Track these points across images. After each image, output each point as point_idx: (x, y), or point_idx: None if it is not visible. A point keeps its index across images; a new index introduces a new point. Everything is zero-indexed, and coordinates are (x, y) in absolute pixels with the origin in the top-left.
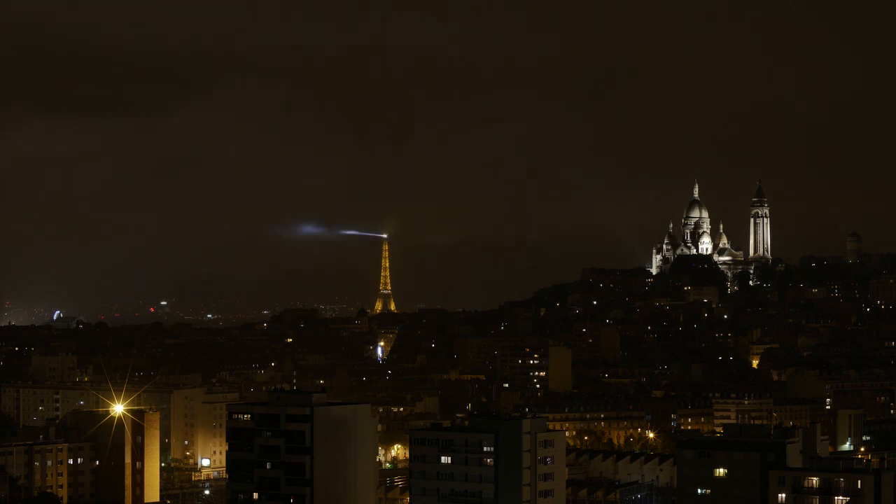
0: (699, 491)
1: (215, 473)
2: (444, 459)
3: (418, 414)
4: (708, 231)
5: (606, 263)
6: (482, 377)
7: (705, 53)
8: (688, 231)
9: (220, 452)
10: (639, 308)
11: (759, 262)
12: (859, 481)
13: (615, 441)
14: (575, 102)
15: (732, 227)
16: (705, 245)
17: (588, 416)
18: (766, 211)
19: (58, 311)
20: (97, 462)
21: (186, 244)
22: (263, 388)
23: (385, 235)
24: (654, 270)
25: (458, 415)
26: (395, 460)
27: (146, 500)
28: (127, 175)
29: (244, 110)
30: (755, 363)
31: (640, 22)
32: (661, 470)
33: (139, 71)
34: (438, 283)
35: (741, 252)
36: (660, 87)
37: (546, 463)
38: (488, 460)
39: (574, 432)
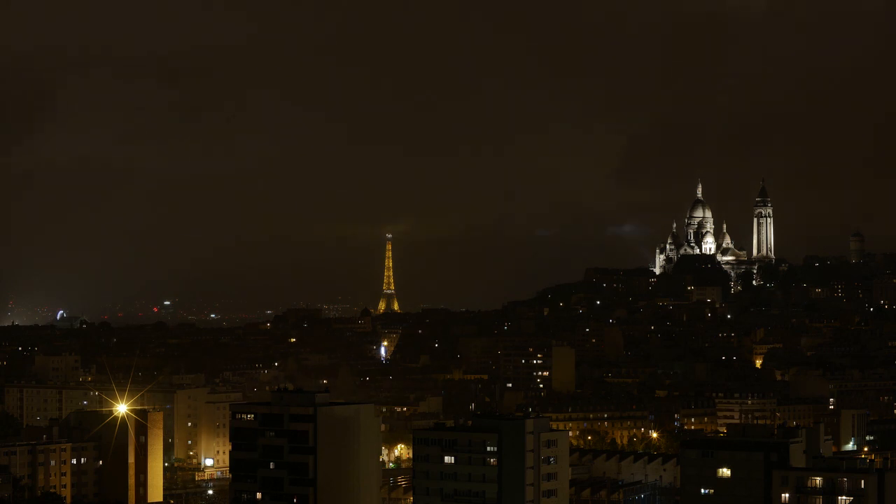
0: (703, 491)
1: (219, 473)
2: (447, 459)
3: (421, 414)
4: (711, 231)
5: (609, 263)
6: (485, 377)
7: (710, 52)
8: (691, 231)
9: (224, 452)
10: (642, 308)
11: (763, 261)
12: (863, 481)
13: (618, 441)
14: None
15: (736, 226)
16: (709, 245)
17: (591, 415)
18: (770, 211)
19: (61, 311)
20: (100, 462)
21: (189, 244)
22: (267, 387)
23: (389, 235)
24: (657, 270)
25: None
26: (398, 460)
27: (149, 500)
28: (129, 174)
29: (249, 112)
30: (758, 363)
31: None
32: (664, 470)
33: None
34: (442, 282)
35: (744, 252)
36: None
37: (549, 463)
38: (491, 460)
39: (577, 432)
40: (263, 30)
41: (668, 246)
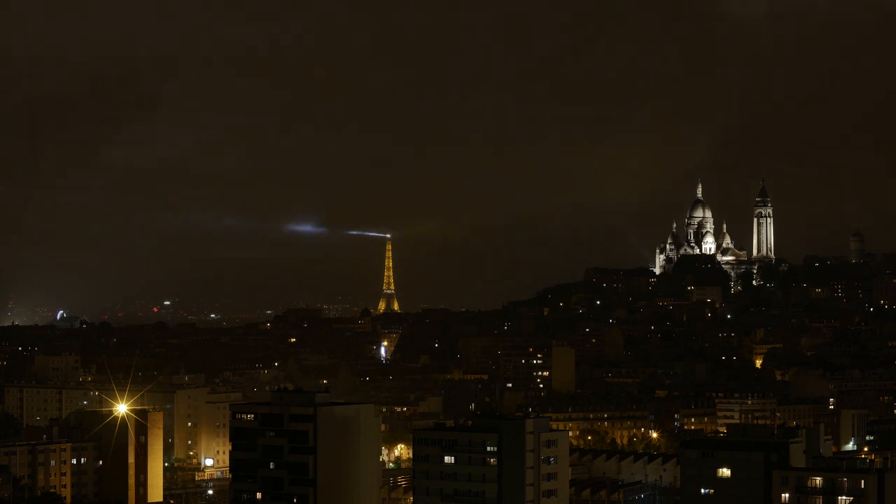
0: (702, 491)
1: (219, 473)
2: (447, 459)
3: (422, 414)
4: (711, 231)
5: (609, 263)
6: (485, 377)
7: (709, 52)
8: (691, 231)
9: (224, 452)
10: (642, 308)
11: (763, 261)
12: (862, 481)
13: (618, 441)
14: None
15: (736, 226)
16: (709, 245)
17: (591, 415)
18: (770, 211)
19: (61, 311)
20: (100, 462)
21: (189, 244)
22: (267, 387)
23: (388, 235)
24: (657, 270)
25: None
26: (398, 460)
27: (149, 500)
28: (129, 175)
29: (246, 109)
30: (758, 363)
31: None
32: (664, 470)
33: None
34: (442, 282)
35: (744, 252)
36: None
37: (549, 463)
38: (491, 460)
39: (577, 432)
40: (262, 31)
41: (668, 246)
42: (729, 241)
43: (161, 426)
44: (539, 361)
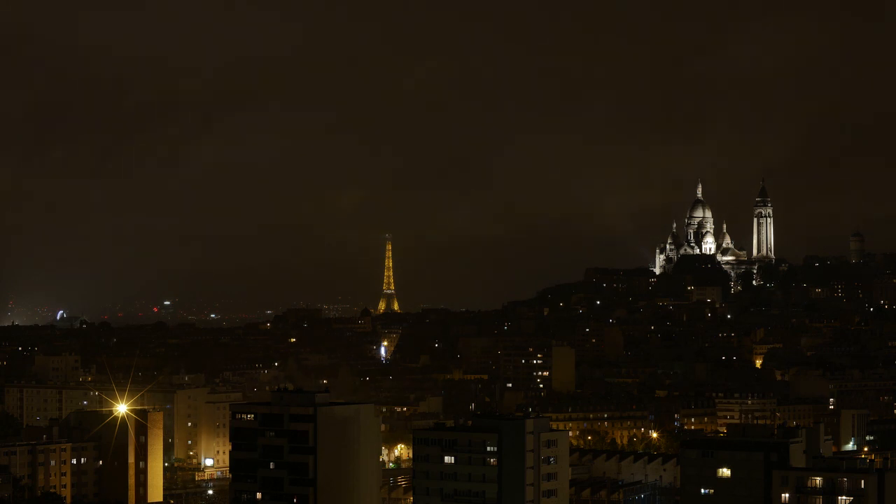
0: (703, 491)
1: (219, 473)
2: (447, 459)
3: (422, 414)
4: (711, 231)
5: (610, 263)
6: (485, 377)
7: (710, 53)
8: (691, 231)
9: (224, 452)
10: (642, 308)
11: (763, 261)
12: (862, 481)
13: (618, 441)
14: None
15: (736, 226)
16: (709, 245)
17: (591, 415)
18: (770, 211)
19: (61, 311)
20: (100, 462)
21: (189, 244)
22: (267, 387)
23: (388, 235)
24: (657, 270)
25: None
26: (398, 460)
27: (149, 500)
28: (130, 176)
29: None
30: (758, 363)
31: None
32: (664, 470)
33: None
34: (442, 282)
35: (744, 252)
36: (662, 86)
37: (549, 463)
38: (491, 460)
39: (577, 432)
40: (272, 36)
41: (668, 246)
42: (729, 241)
43: (161, 426)
44: (539, 361)
